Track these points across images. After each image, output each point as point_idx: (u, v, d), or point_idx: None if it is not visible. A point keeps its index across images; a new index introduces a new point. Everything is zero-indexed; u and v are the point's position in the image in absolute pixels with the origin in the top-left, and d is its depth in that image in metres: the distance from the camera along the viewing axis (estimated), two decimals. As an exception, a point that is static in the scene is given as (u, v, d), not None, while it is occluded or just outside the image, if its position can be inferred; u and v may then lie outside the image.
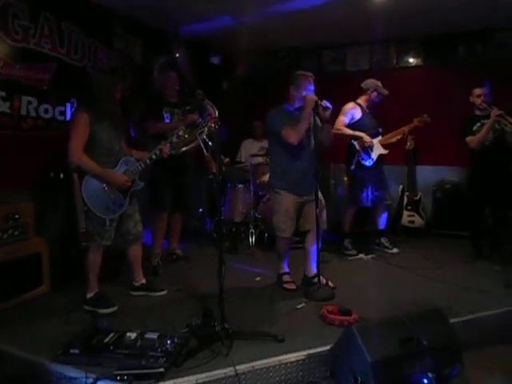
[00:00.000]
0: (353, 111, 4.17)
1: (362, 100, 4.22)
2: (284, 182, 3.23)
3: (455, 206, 4.84)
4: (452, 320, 2.45)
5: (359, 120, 4.17)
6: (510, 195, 3.87)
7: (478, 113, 3.88)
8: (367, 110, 4.21)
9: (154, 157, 3.02)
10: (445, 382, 2.08)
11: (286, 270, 3.40)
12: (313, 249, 3.24)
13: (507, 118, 3.65)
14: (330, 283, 3.28)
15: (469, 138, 3.84)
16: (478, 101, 3.81)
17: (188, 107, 3.76)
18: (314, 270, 3.25)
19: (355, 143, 4.16)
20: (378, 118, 4.32)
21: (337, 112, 4.18)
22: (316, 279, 3.14)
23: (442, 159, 5.17)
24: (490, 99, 3.78)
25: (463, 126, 3.92)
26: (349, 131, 4.13)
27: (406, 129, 4.27)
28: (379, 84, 4.16)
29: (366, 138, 4.12)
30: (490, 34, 5.06)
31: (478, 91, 3.83)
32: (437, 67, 5.38)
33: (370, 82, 4.19)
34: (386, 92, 4.16)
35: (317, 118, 3.26)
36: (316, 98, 3.08)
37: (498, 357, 2.56)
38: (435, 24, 4.84)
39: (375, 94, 4.16)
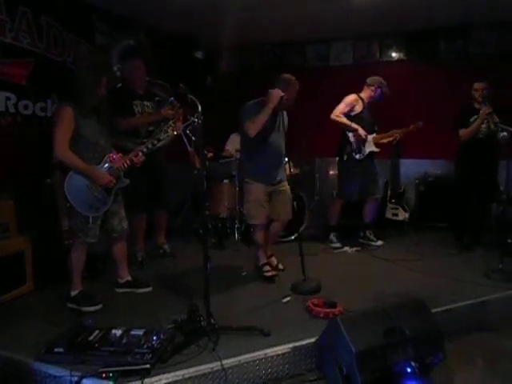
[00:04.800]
0: (354, 103, 4.15)
1: (364, 94, 4.21)
2: (253, 173, 3.31)
3: (438, 199, 4.92)
4: (434, 310, 2.51)
5: (359, 113, 4.15)
6: (493, 188, 3.96)
7: (476, 106, 3.94)
8: (367, 106, 4.20)
9: (140, 154, 2.96)
10: (427, 370, 2.12)
11: (264, 260, 3.47)
12: (272, 237, 3.55)
13: (494, 118, 3.75)
14: (280, 265, 3.52)
15: (461, 131, 3.92)
16: (476, 95, 3.89)
17: (157, 98, 3.64)
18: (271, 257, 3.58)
19: (350, 135, 4.14)
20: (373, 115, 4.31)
21: (324, 106, 4.21)
22: (266, 267, 3.39)
23: (424, 153, 5.24)
24: (488, 95, 3.84)
25: (459, 116, 3.97)
26: (346, 120, 4.09)
27: (399, 132, 4.24)
28: (384, 82, 4.15)
29: (361, 131, 4.09)
30: (471, 29, 5.13)
31: (477, 85, 3.90)
32: (419, 62, 5.43)
33: (375, 79, 4.18)
34: (389, 92, 4.15)
35: (285, 117, 3.34)
36: (282, 93, 3.07)
37: (478, 344, 2.63)
38: (417, 19, 4.88)
39: (379, 91, 4.15)
